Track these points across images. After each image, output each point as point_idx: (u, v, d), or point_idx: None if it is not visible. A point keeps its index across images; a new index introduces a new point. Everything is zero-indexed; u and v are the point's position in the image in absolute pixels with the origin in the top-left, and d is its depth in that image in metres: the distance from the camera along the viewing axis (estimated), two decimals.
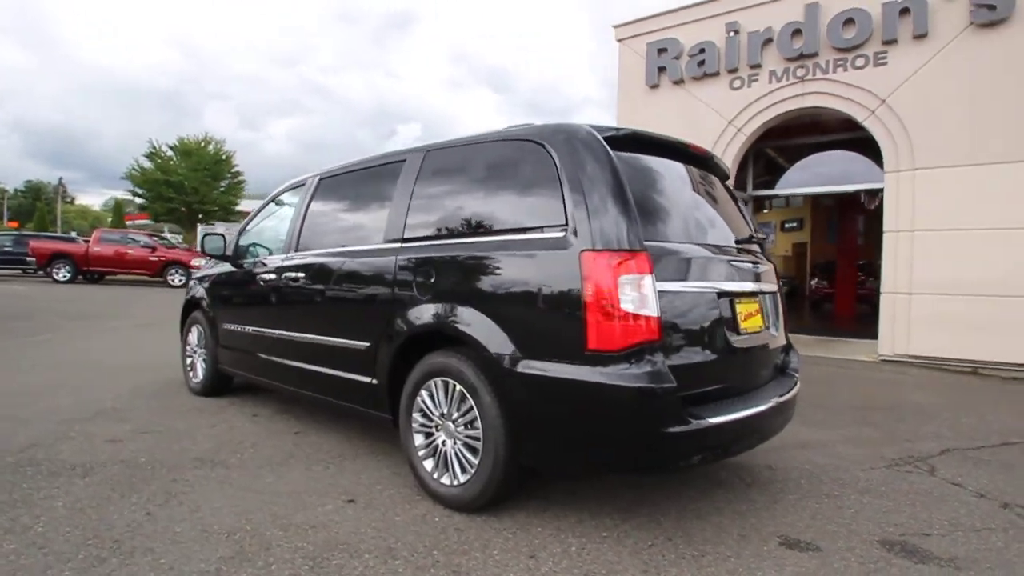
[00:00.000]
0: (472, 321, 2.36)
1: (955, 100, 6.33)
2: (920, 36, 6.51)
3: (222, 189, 28.77)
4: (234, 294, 4.11)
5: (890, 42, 6.72)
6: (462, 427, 2.46)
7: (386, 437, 3.44)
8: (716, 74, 8.03)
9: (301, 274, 3.34)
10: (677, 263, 2.25)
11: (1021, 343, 6.12)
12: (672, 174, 2.60)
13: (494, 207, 2.53)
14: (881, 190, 7.43)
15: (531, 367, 2.18)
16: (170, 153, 27.61)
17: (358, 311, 2.98)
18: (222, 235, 4.21)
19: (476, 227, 2.53)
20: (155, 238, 19.83)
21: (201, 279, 4.59)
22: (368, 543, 2.18)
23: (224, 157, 28.87)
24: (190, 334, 4.65)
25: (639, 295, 2.03)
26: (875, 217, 7.86)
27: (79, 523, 2.28)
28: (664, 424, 1.99)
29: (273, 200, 4.14)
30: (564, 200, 2.22)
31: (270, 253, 3.94)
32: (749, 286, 2.59)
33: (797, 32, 7.31)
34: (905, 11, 6.56)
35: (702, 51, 8.06)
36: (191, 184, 26.55)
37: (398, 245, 2.80)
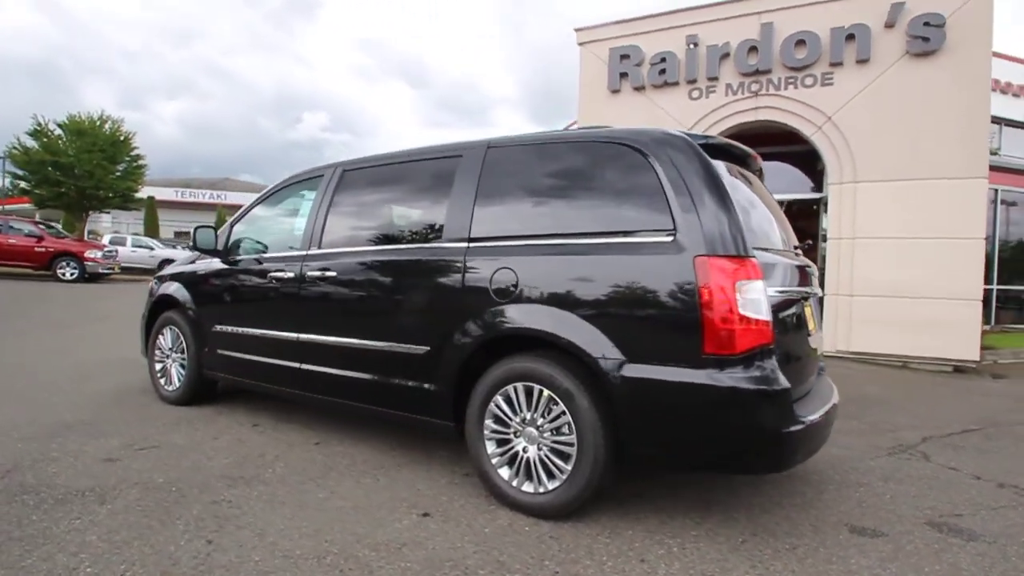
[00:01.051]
0: (568, 325, 2.31)
1: (893, 120, 7.04)
2: (863, 61, 7.17)
3: (119, 174, 25.96)
4: (230, 293, 3.74)
5: (836, 64, 7.34)
6: (549, 432, 2.40)
7: (419, 445, 3.29)
8: (676, 83, 8.38)
9: (332, 273, 3.10)
10: (768, 267, 2.33)
11: (941, 340, 6.92)
12: (744, 179, 2.69)
13: (580, 209, 2.49)
14: (819, 200, 8.10)
15: (640, 371, 2.17)
16: (59, 132, 24.52)
17: (415, 313, 2.81)
18: (214, 228, 3.82)
19: (562, 228, 2.47)
20: (42, 226, 17.57)
21: (178, 276, 4.14)
22: (473, 559, 2.08)
23: (122, 138, 26.04)
24: (161, 337, 4.18)
25: (754, 300, 2.08)
26: (813, 225, 8.56)
27: (133, 558, 1.99)
28: (783, 424, 2.06)
29: (274, 193, 3.81)
30: (670, 205, 2.22)
31: (266, 249, 3.65)
32: (807, 288, 2.73)
33: (753, 49, 7.79)
34: (851, 37, 7.19)
35: (663, 60, 8.38)
36: (84, 167, 23.74)
37: (465, 245, 2.67)
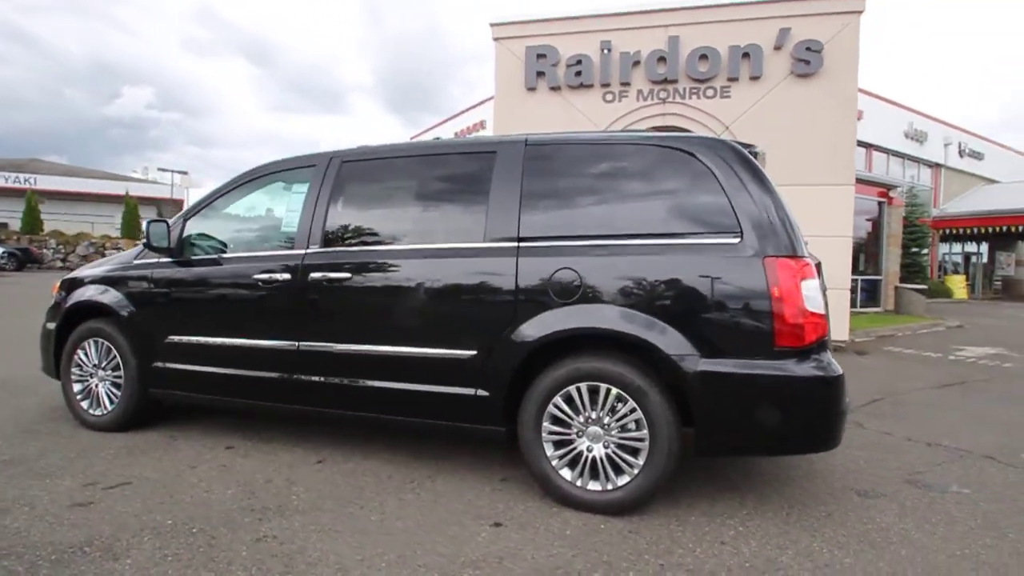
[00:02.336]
0: (641, 325, 2.36)
1: (780, 132, 8.00)
2: (755, 77, 8.06)
3: None
4: (192, 298, 3.23)
5: (733, 79, 8.17)
6: (616, 430, 2.43)
7: (432, 454, 3.14)
8: (591, 86, 8.75)
9: (344, 274, 2.81)
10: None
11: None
12: None
13: (638, 210, 2.54)
14: None
15: (715, 365, 2.29)
16: None
17: (459, 316, 2.66)
18: (167, 223, 3.27)
19: (622, 230, 2.50)
20: None
21: (108, 279, 3.48)
22: (578, 562, 2.05)
23: None
24: (81, 353, 3.49)
25: (814, 296, 2.30)
26: None
27: None
28: (842, 405, 2.30)
29: (240, 185, 3.34)
30: (733, 209, 2.36)
31: (230, 247, 3.25)
32: (824, 282, 3.03)
33: (661, 59, 8.39)
34: (746, 55, 8.04)
35: (579, 63, 8.69)
36: None
37: (515, 244, 2.59)
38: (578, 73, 8.68)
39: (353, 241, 2.93)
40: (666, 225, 2.47)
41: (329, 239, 2.94)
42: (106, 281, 3.47)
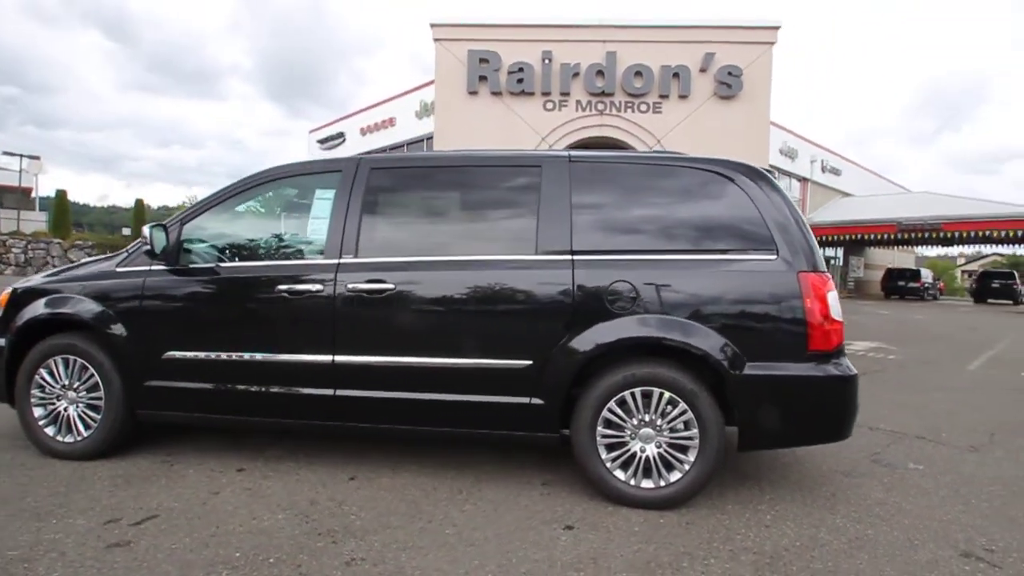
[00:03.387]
0: (695, 334, 2.57)
1: (707, 147, 8.72)
2: (684, 96, 8.75)
3: None
4: (198, 310, 2.97)
5: (664, 96, 8.80)
6: (667, 431, 2.63)
7: (458, 463, 3.16)
8: (532, 94, 8.99)
9: (389, 285, 2.75)
10: None
11: None
12: None
13: (681, 227, 2.75)
14: None
15: (756, 369, 2.56)
16: None
17: (514, 327, 2.71)
18: (166, 227, 2.98)
19: (670, 245, 2.70)
20: None
21: (83, 288, 3.08)
22: (665, 555, 2.21)
23: None
24: (44, 373, 3.08)
25: (836, 306, 2.64)
26: None
27: None
28: (856, 401, 2.66)
29: (249, 188, 3.10)
30: (769, 229, 2.65)
31: (244, 255, 3.06)
32: None
33: (600, 73, 8.83)
34: (676, 75, 8.70)
35: (521, 70, 8.90)
36: None
37: (569, 258, 2.69)
38: (520, 80, 8.88)
39: (391, 251, 2.87)
40: (709, 242, 2.71)
41: (365, 248, 2.86)
42: (80, 291, 3.08)
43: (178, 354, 2.94)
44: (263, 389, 2.88)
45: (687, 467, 2.61)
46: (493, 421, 2.75)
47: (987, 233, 23.42)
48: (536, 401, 2.67)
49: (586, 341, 2.62)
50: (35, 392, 3.10)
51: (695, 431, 2.59)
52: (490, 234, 2.89)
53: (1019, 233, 22.82)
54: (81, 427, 3.06)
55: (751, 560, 2.21)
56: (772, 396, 2.59)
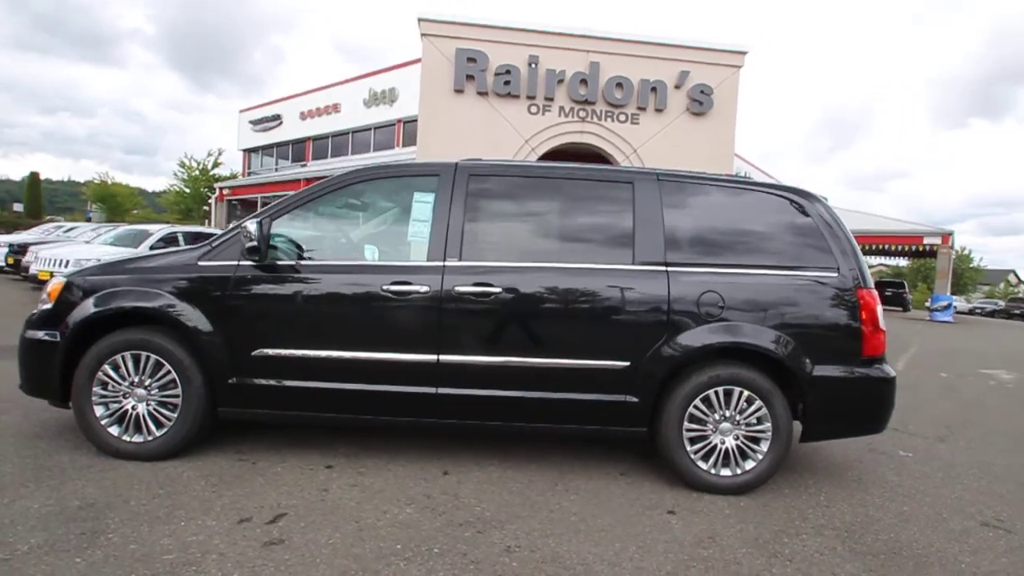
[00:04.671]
0: (772, 339, 2.91)
1: (678, 159, 9.27)
2: (660, 110, 9.27)
3: None
4: (295, 308, 2.95)
5: (642, 109, 9.28)
6: (743, 426, 2.97)
7: (526, 456, 3.35)
8: (518, 96, 9.17)
9: (496, 289, 2.89)
10: None
11: None
12: None
13: (758, 243, 3.08)
14: None
15: (822, 370, 2.94)
16: None
17: (616, 331, 2.92)
18: (262, 224, 2.93)
19: (748, 260, 3.03)
20: None
21: (160, 282, 2.97)
22: (765, 532, 2.54)
23: None
24: (109, 369, 2.94)
25: (882, 318, 3.09)
26: None
27: None
28: (894, 399, 3.12)
29: (342, 188, 3.11)
30: (832, 250, 3.04)
31: (303, 251, 3.08)
32: None
33: (583, 81, 9.16)
34: (653, 89, 9.20)
35: (508, 72, 9.05)
36: None
37: (664, 269, 2.96)
38: (507, 82, 9.04)
39: (493, 255, 3.01)
40: (782, 259, 3.06)
41: (468, 252, 2.97)
42: (157, 285, 2.97)
43: (271, 352, 2.92)
44: (361, 387, 2.92)
45: (760, 457, 2.96)
46: (589, 417, 2.97)
47: (878, 246, 26.16)
48: (631, 399, 2.92)
49: (680, 345, 2.90)
50: (97, 390, 2.95)
51: (768, 425, 2.95)
52: (588, 243, 3.09)
53: (905, 247, 25.73)
54: (152, 426, 2.96)
55: (833, 534, 2.59)
56: (833, 394, 2.99)
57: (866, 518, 2.80)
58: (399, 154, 21.18)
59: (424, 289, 2.90)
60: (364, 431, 3.51)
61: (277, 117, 26.76)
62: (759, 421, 2.96)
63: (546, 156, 9.62)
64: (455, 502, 2.66)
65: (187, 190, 30.67)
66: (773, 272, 3.03)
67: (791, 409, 3.01)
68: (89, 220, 29.81)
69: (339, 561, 2.08)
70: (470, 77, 9.10)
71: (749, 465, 2.97)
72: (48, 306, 3.05)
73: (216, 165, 31.18)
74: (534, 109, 9.30)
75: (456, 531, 2.37)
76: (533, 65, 9.14)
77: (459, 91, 9.15)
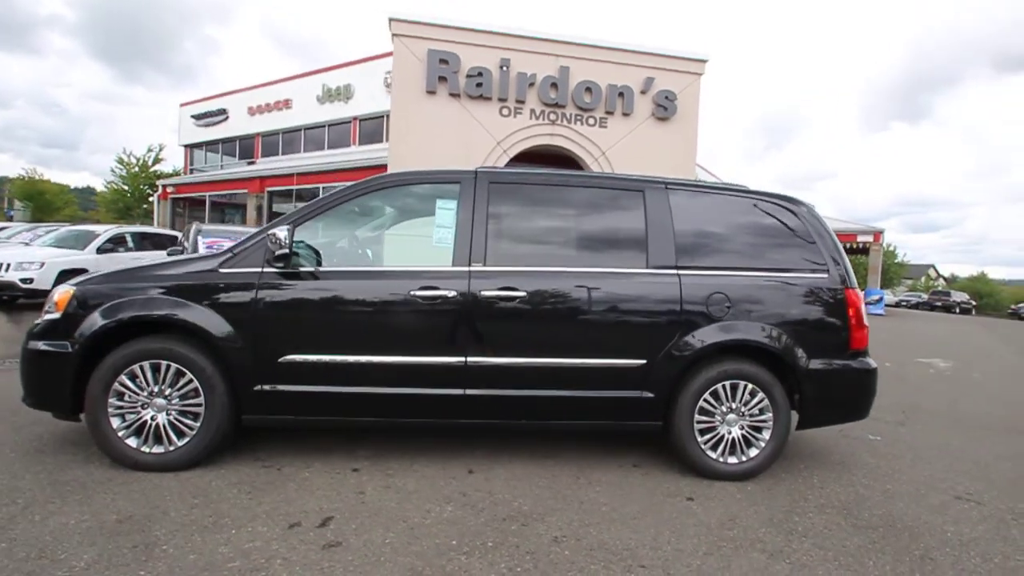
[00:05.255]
0: (775, 336, 3.16)
1: (644, 162, 9.64)
2: (627, 114, 9.58)
3: None
4: (327, 312, 2.97)
5: (610, 113, 9.57)
6: (747, 417, 3.21)
7: (545, 451, 3.50)
8: (490, 99, 9.27)
9: (521, 292, 3.01)
10: None
11: None
12: None
13: (757, 247, 3.32)
14: None
15: (816, 364, 3.22)
16: None
17: (632, 331, 3.09)
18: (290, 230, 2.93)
19: (747, 263, 3.27)
20: None
21: (181, 289, 2.92)
22: (778, 513, 2.78)
23: None
24: (126, 380, 2.88)
25: (865, 315, 3.40)
26: None
27: None
28: (876, 388, 3.44)
29: (362, 194, 3.14)
30: (823, 253, 3.33)
31: (321, 257, 3.13)
32: None
33: (554, 85, 9.35)
34: (620, 94, 9.50)
35: (480, 75, 9.13)
36: None
37: (675, 272, 3.16)
38: (479, 84, 9.12)
39: (516, 260, 3.12)
40: (780, 261, 3.32)
41: (492, 257, 3.08)
42: (178, 292, 2.93)
43: (298, 358, 2.94)
44: (390, 390, 2.98)
45: (763, 444, 3.21)
46: (609, 413, 3.14)
47: None
48: (647, 395, 3.11)
49: (693, 342, 3.11)
50: (113, 401, 2.88)
51: (770, 415, 3.20)
52: (604, 248, 3.25)
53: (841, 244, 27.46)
54: (173, 436, 2.92)
55: (835, 511, 2.86)
56: (825, 385, 3.27)
57: (857, 496, 3.09)
58: (355, 152, 20.84)
59: (451, 294, 2.99)
60: (380, 433, 3.56)
61: (222, 112, 25.70)
62: (761, 412, 3.21)
63: (517, 158, 9.75)
64: (491, 498, 2.77)
65: (126, 188, 28.94)
66: (771, 274, 3.28)
67: (791, 399, 3.28)
68: (11, 219, 27.71)
69: (402, 559, 2.16)
70: (442, 79, 9.13)
71: (753, 453, 3.21)
72: (55, 316, 2.95)
73: (157, 161, 29.59)
74: (505, 111, 9.42)
75: (502, 525, 2.48)
76: (504, 68, 9.26)
77: (431, 92, 9.16)
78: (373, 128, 21.10)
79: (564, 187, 3.33)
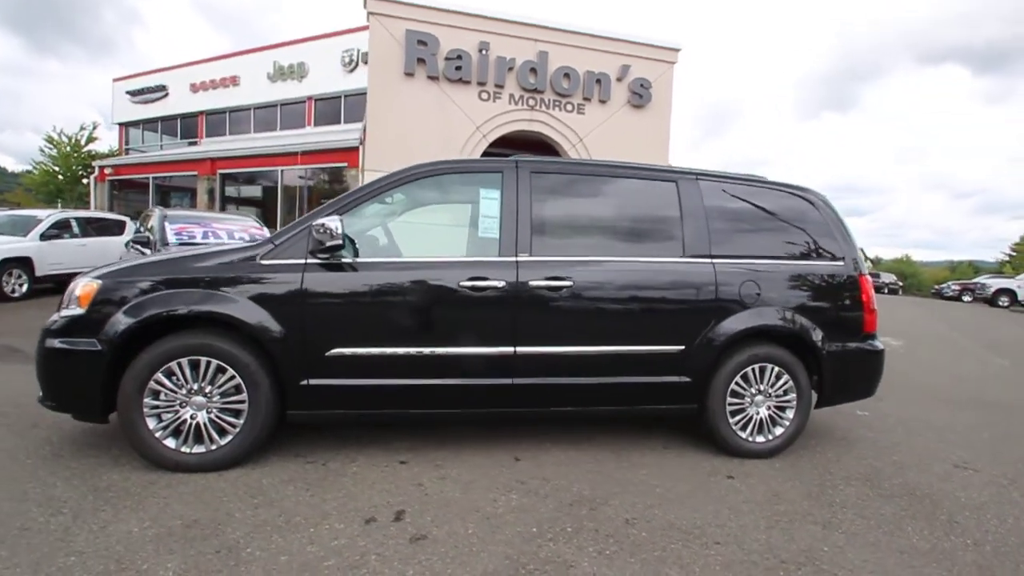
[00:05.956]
0: (797, 321, 3.35)
1: (619, 148, 9.77)
2: (604, 101, 9.67)
3: None
4: (376, 304, 2.91)
5: (588, 99, 9.63)
6: (773, 397, 3.39)
7: (578, 438, 3.59)
8: (469, 82, 9.14)
9: (568, 282, 3.05)
10: None
11: None
12: None
13: (779, 236, 3.49)
14: None
15: (833, 346, 3.44)
16: None
17: (671, 318, 3.19)
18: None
19: (772, 252, 3.43)
20: None
21: (219, 281, 2.80)
22: (813, 487, 2.97)
23: None
24: (159, 377, 2.75)
25: (875, 299, 3.64)
26: None
27: None
28: (883, 368, 3.70)
29: (405, 183, 3.08)
30: (839, 242, 3.53)
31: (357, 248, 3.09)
32: None
33: (532, 70, 9.31)
34: (598, 81, 9.57)
35: (459, 58, 8.98)
36: None
37: (710, 261, 3.27)
38: (458, 68, 8.97)
39: (560, 250, 3.15)
40: (801, 249, 3.50)
41: (537, 247, 3.09)
42: (217, 284, 2.80)
43: (347, 351, 2.88)
44: (440, 381, 2.97)
45: (787, 424, 3.41)
46: (648, 398, 3.24)
47: None
48: (684, 379, 3.23)
49: (727, 328, 3.25)
50: (148, 401, 2.74)
51: (794, 395, 3.40)
52: (642, 237, 3.33)
53: None
54: (215, 434, 2.81)
55: (860, 482, 3.09)
56: (842, 366, 3.49)
57: (872, 469, 3.34)
58: (310, 133, 20.05)
59: (500, 284, 3.00)
60: (413, 425, 3.54)
61: (162, 88, 24.08)
62: (786, 393, 3.40)
63: (496, 143, 9.69)
64: (548, 485, 2.82)
65: (56, 168, 26.68)
66: (794, 262, 3.46)
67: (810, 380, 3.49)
68: None
69: (494, 548, 2.19)
70: (421, 61, 8.91)
71: (778, 431, 3.41)
72: (78, 311, 2.77)
73: (91, 140, 27.39)
74: (485, 96, 9.32)
75: (572, 511, 2.55)
76: (484, 51, 9.14)
77: (409, 74, 8.93)
78: (330, 109, 20.34)
79: (599, 177, 3.37)
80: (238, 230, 8.19)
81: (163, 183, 18.29)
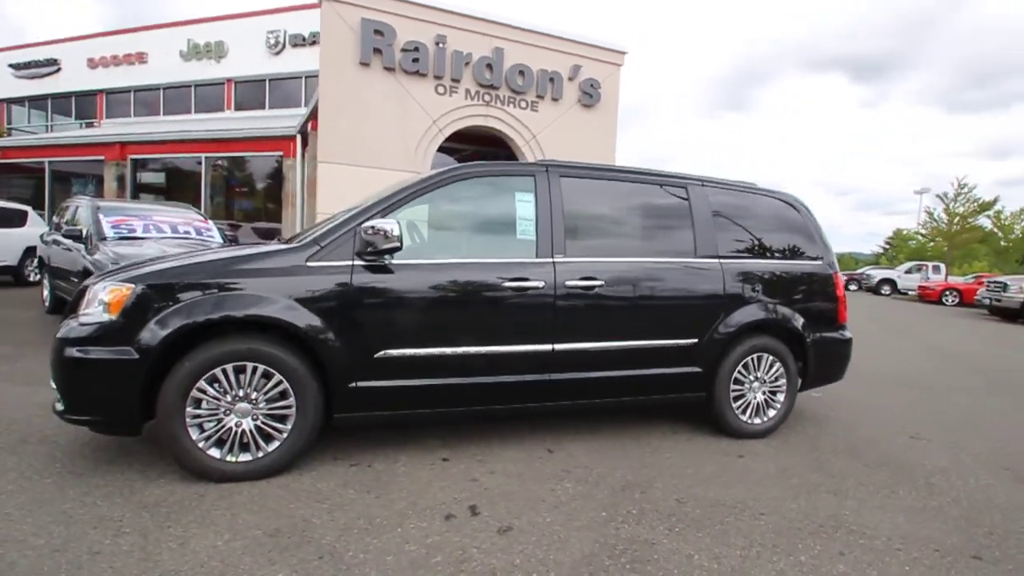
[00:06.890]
0: (788, 314, 3.75)
1: (570, 145, 10.06)
2: (556, 99, 9.91)
3: None
4: (423, 305, 2.94)
5: (541, 97, 9.83)
6: (767, 383, 3.78)
7: (612, 429, 3.82)
8: (426, 75, 9.04)
9: (599, 281, 3.24)
10: None
11: None
12: None
13: (772, 238, 3.87)
14: None
15: (816, 336, 3.88)
16: None
17: (687, 314, 3.47)
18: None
19: (766, 252, 3.81)
20: None
21: (276, 286, 2.72)
22: (816, 460, 3.37)
23: None
24: (202, 385, 2.65)
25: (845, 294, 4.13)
26: None
27: None
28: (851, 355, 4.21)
29: (439, 185, 3.12)
30: (817, 242, 3.98)
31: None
32: None
33: (489, 66, 9.36)
34: (551, 80, 9.79)
35: (416, 50, 8.85)
36: None
37: (718, 261, 3.59)
38: (415, 60, 8.85)
39: (590, 251, 3.33)
40: (788, 249, 3.91)
41: (571, 248, 3.26)
42: (262, 289, 2.72)
43: (395, 352, 2.90)
44: (483, 380, 3.07)
45: (779, 406, 3.82)
46: (666, 388, 3.52)
47: None
48: (696, 369, 3.54)
49: (733, 322, 3.59)
50: (190, 410, 2.64)
51: (784, 381, 3.81)
52: (660, 238, 3.57)
53: None
54: (261, 441, 2.75)
55: (845, 455, 3.53)
56: (823, 353, 3.95)
57: (850, 443, 3.82)
58: (231, 117, 18.82)
59: (540, 284, 3.13)
60: (440, 424, 3.60)
61: (53, 62, 21.61)
62: (777, 379, 3.80)
63: (451, 138, 9.68)
64: (593, 472, 3.01)
65: None
66: (785, 261, 3.87)
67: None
68: None
69: (580, 534, 2.34)
70: (377, 51, 8.68)
71: (772, 414, 3.81)
72: (107, 317, 2.60)
73: None
74: (441, 89, 9.26)
75: (625, 495, 2.75)
76: (441, 44, 9.06)
77: (365, 64, 8.67)
78: (252, 93, 19.18)
79: (619, 181, 3.58)
80: (181, 223, 7.70)
81: (63, 169, 16.46)
